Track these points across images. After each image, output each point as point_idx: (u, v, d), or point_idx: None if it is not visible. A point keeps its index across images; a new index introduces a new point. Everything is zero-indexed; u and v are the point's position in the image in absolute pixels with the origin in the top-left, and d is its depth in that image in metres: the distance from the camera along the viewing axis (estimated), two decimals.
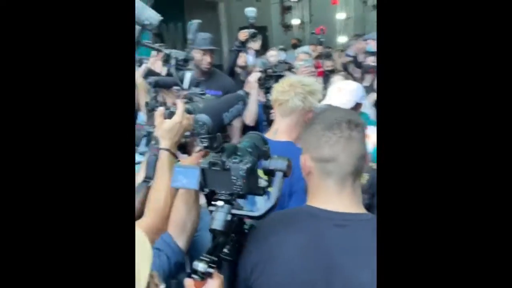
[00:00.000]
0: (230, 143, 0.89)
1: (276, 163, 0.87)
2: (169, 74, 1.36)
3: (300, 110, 1.57)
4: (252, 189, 0.86)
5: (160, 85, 1.36)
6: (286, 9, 9.90)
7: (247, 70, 3.70)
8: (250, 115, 2.66)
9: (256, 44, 3.63)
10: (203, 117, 0.83)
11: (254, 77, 2.75)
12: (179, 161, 1.12)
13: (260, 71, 2.73)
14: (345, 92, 1.96)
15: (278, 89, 1.63)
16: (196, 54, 2.70)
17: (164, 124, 1.11)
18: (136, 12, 1.19)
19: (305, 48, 4.01)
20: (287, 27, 9.88)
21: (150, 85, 1.33)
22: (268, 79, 2.66)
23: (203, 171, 0.86)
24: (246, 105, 1.05)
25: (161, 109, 1.16)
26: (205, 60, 2.83)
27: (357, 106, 1.98)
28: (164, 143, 1.11)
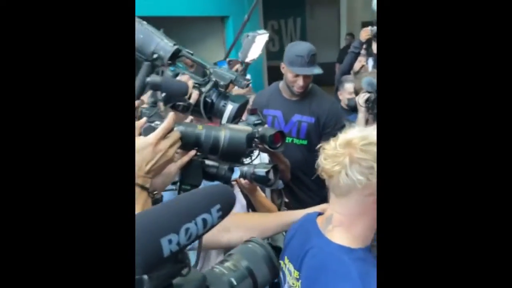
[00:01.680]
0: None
1: None
2: (205, 102, 0.92)
3: (365, 188, 0.86)
4: None
5: (161, 89, 0.86)
6: None
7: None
8: None
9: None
10: None
11: (362, 98, 2.05)
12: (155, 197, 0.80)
13: (370, 91, 2.00)
14: None
15: (327, 151, 0.92)
16: (288, 73, 2.15)
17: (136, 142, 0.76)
18: (140, 42, 0.88)
19: None
20: None
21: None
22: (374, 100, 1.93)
23: None
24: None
25: (141, 122, 0.82)
26: (298, 84, 2.14)
27: None
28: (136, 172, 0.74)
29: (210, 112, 0.95)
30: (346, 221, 0.92)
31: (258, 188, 1.48)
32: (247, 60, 1.00)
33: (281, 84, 2.31)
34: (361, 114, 2.07)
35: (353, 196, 0.89)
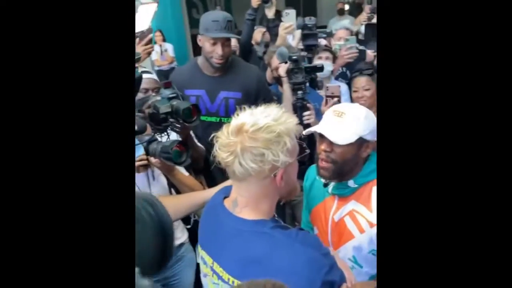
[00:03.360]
0: None
1: None
2: None
3: (258, 174, 0.88)
4: None
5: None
6: None
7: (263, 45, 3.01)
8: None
9: (270, 12, 2.72)
10: None
11: (283, 68, 1.98)
12: None
13: (292, 59, 1.92)
14: (346, 120, 1.21)
15: (220, 140, 0.91)
16: (206, 43, 1.96)
17: None
18: None
19: (346, 21, 3.05)
20: None
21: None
22: (297, 72, 1.88)
23: None
24: None
25: None
26: (216, 54, 1.94)
27: (361, 143, 1.21)
28: None
29: None
30: (251, 202, 0.95)
31: (177, 167, 1.41)
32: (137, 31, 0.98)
33: (199, 60, 2.12)
34: (286, 85, 2.03)
35: (251, 180, 0.92)
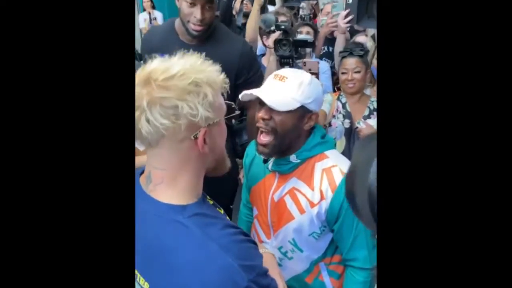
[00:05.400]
0: None
1: None
2: None
3: (173, 135, 0.71)
4: None
5: None
6: None
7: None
8: None
9: None
10: None
11: (272, 39, 1.73)
12: None
13: (281, 28, 1.70)
14: (288, 85, 1.08)
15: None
16: (183, 3, 1.58)
17: None
18: None
19: None
20: None
21: None
22: (285, 44, 1.68)
23: None
24: None
25: None
26: (194, 18, 1.58)
27: (303, 112, 1.09)
28: None
29: None
30: (167, 176, 0.75)
31: None
32: None
33: (177, 23, 1.73)
34: (272, 57, 1.82)
35: (163, 144, 0.72)
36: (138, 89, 0.69)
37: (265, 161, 1.20)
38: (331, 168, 1.12)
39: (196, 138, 0.72)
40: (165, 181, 0.75)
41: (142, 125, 0.69)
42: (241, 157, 1.71)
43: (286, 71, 1.14)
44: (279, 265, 1.21)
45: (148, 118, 0.68)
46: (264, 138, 1.10)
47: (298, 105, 1.06)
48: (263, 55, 2.44)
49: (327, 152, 1.15)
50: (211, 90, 0.71)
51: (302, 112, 1.09)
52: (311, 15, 2.60)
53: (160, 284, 0.72)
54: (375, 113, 1.98)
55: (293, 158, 1.14)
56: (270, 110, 1.07)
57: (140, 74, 0.71)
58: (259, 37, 2.27)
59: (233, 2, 2.53)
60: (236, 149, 1.83)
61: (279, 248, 1.23)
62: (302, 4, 2.51)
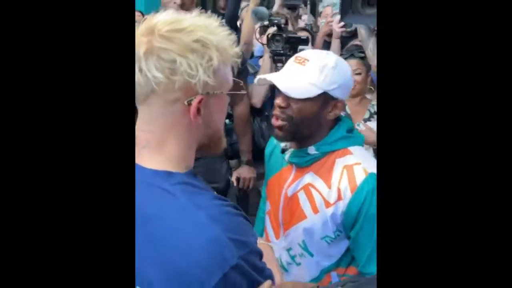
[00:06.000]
0: None
1: None
2: None
3: (165, 92, 0.64)
4: None
5: None
6: None
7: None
8: (257, 94, 1.79)
9: None
10: None
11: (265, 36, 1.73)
12: None
13: (274, 23, 1.69)
14: (308, 68, 0.97)
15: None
16: None
17: None
18: None
19: None
20: None
21: None
22: (278, 40, 1.66)
23: None
24: None
25: None
26: (174, 2, 1.53)
27: (326, 100, 0.98)
28: None
29: None
30: (153, 140, 0.68)
31: None
32: None
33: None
34: (266, 55, 1.78)
35: (153, 102, 0.65)
36: (139, 37, 0.63)
37: (283, 151, 1.09)
38: (353, 166, 0.99)
39: (189, 104, 0.64)
40: (150, 145, 0.68)
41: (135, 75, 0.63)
42: (232, 158, 1.68)
43: (308, 52, 1.03)
44: (285, 270, 1.10)
45: (141, 68, 0.62)
46: (278, 122, 1.00)
47: (318, 91, 0.95)
48: (261, 56, 2.35)
49: (352, 148, 1.02)
50: (218, 56, 0.64)
51: (325, 99, 0.97)
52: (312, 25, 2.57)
53: (142, 255, 0.65)
54: (375, 116, 1.91)
55: (311, 149, 1.02)
56: (288, 97, 0.97)
57: (146, 21, 0.65)
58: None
59: (240, 11, 2.40)
60: (225, 150, 1.81)
61: (288, 250, 1.11)
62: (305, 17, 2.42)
